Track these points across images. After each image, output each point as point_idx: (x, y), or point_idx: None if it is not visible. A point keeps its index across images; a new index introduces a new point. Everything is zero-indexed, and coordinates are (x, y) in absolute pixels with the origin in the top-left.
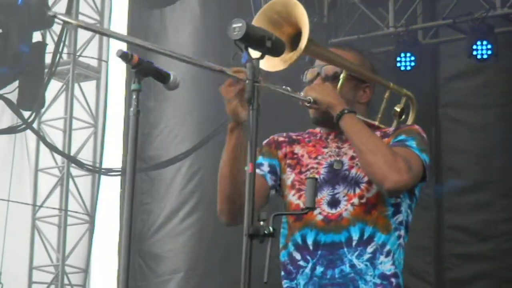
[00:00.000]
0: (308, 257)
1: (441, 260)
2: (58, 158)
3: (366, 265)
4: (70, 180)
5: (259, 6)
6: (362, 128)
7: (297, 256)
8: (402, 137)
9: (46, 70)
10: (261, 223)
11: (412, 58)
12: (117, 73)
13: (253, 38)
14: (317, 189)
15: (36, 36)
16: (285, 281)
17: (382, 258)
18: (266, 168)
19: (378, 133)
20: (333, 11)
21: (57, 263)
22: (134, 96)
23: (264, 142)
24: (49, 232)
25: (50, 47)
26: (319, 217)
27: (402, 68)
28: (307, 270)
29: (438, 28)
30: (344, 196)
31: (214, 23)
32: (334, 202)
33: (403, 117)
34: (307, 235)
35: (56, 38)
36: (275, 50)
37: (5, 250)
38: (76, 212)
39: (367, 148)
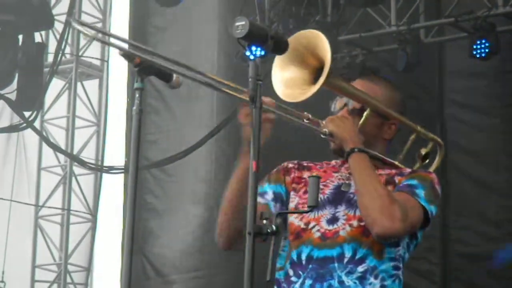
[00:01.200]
0: (300, 272)
1: (447, 260)
2: (61, 157)
3: (355, 282)
4: (73, 179)
5: (264, 5)
6: (367, 169)
7: (291, 272)
8: (414, 181)
9: (46, 70)
10: (264, 221)
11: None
12: (121, 71)
13: (256, 36)
14: (319, 188)
15: (37, 37)
16: None
17: (372, 279)
18: (270, 196)
19: (394, 171)
20: (336, 9)
21: (60, 262)
22: (137, 95)
23: (275, 169)
24: (51, 231)
25: (52, 47)
26: (317, 234)
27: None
28: (297, 285)
29: (440, 26)
30: (343, 216)
31: (217, 22)
32: (333, 220)
33: (427, 161)
34: (302, 251)
35: (57, 38)
36: (278, 48)
37: (8, 249)
38: (78, 211)
39: (366, 190)
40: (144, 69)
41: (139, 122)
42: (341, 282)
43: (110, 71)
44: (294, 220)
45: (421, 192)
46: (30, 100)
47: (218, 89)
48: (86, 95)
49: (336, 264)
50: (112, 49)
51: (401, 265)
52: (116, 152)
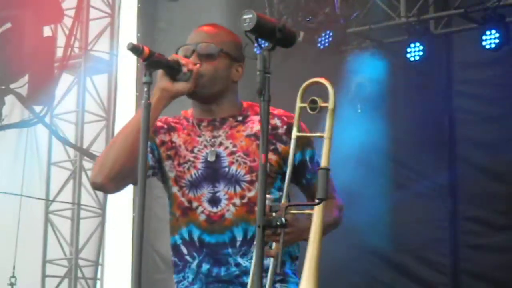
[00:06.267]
0: (195, 254)
1: (457, 251)
2: (71, 151)
3: (250, 262)
4: (83, 173)
5: None
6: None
7: (184, 250)
8: (309, 152)
9: (56, 65)
10: (273, 214)
11: (421, 48)
12: (130, 65)
13: (263, 29)
14: (328, 180)
15: (46, 31)
16: (174, 275)
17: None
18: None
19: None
20: (346, 1)
21: (70, 257)
22: (145, 89)
23: None
24: (62, 225)
25: (61, 41)
26: (202, 217)
27: (411, 59)
28: (193, 266)
29: (450, 17)
30: (224, 195)
31: (224, 15)
32: (214, 200)
33: None
34: (193, 231)
35: (66, 32)
36: (286, 41)
37: (19, 244)
38: (89, 205)
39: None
40: (152, 63)
41: (147, 116)
42: (237, 265)
43: (119, 65)
44: (177, 192)
45: (318, 159)
46: (40, 95)
47: None
48: (95, 90)
49: (230, 250)
50: (121, 43)
51: None
52: None
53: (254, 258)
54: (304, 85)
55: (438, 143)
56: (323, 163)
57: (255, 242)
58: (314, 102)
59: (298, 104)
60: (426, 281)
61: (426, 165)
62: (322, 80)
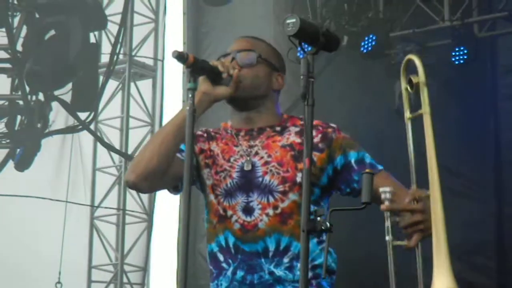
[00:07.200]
0: (230, 260)
1: (503, 254)
2: (116, 157)
3: (285, 272)
4: None
5: (316, 2)
6: None
7: (220, 257)
8: (353, 155)
9: (100, 70)
10: (318, 218)
11: (465, 51)
12: (174, 71)
13: (307, 34)
14: (373, 185)
15: (90, 37)
16: (210, 283)
17: (299, 265)
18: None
19: (298, 139)
20: (389, 5)
21: (116, 262)
22: (189, 95)
23: None
24: (107, 231)
25: (105, 48)
26: (237, 225)
27: (456, 62)
28: (229, 273)
29: (494, 21)
30: (258, 204)
31: (271, 21)
32: (248, 210)
33: None
34: (229, 238)
35: (109, 37)
36: (329, 45)
37: (64, 250)
38: (134, 211)
39: None
40: (196, 69)
41: (192, 122)
42: (271, 273)
43: (166, 70)
44: (213, 199)
45: (368, 157)
46: (85, 101)
47: None
48: (140, 95)
49: (262, 259)
50: (166, 48)
51: (324, 237)
52: None
53: (300, 262)
54: (403, 64)
55: (483, 146)
56: (428, 138)
57: (288, 253)
58: (410, 81)
59: (404, 85)
60: (472, 284)
61: (471, 168)
62: (410, 56)
